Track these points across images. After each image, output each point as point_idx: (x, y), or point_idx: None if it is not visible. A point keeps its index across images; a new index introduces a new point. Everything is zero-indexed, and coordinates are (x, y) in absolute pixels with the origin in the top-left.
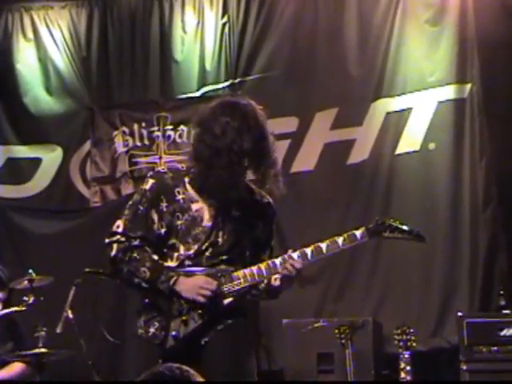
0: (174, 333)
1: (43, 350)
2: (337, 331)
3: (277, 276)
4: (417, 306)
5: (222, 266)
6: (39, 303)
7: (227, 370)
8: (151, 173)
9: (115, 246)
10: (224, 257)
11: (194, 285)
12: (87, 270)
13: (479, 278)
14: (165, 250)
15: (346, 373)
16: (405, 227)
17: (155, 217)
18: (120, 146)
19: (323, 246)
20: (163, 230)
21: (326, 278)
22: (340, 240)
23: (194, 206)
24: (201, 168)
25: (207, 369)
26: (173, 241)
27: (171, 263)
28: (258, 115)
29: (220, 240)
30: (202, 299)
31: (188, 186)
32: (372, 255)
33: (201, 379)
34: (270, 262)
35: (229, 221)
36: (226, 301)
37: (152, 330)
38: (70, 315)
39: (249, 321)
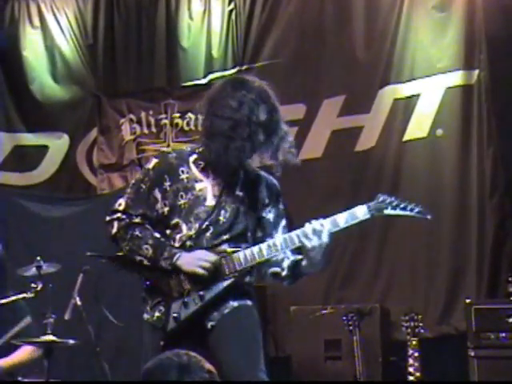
0: (174, 315)
1: (51, 337)
2: (344, 318)
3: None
4: (424, 292)
5: (224, 247)
6: (47, 290)
7: (234, 355)
8: (158, 153)
9: (116, 223)
10: (225, 236)
11: (194, 257)
12: (88, 253)
13: (487, 264)
14: (168, 232)
15: (353, 359)
16: (407, 203)
17: (158, 196)
18: (127, 134)
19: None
20: (166, 209)
21: (333, 264)
22: (341, 220)
23: (198, 186)
24: (220, 142)
25: (214, 353)
26: (176, 220)
27: (177, 243)
28: (268, 89)
29: (221, 218)
30: (201, 271)
31: (192, 166)
32: (379, 242)
33: (208, 365)
34: (270, 241)
35: (232, 200)
36: (226, 282)
37: (157, 314)
38: (78, 302)
39: (255, 304)
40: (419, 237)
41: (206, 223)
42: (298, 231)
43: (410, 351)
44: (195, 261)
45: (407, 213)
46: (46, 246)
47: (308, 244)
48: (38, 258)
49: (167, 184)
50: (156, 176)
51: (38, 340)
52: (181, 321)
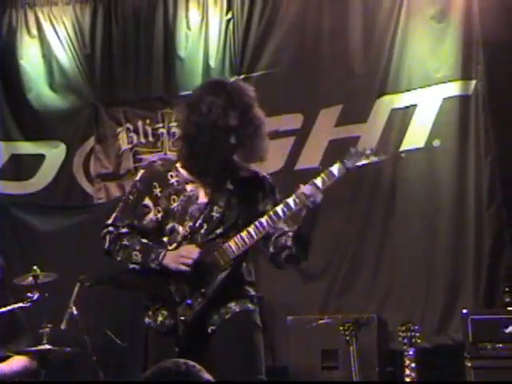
0: (182, 318)
1: (48, 346)
2: (341, 328)
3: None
4: (421, 302)
5: (219, 240)
6: (44, 299)
7: (234, 363)
8: (142, 164)
9: (107, 237)
10: (219, 230)
11: (177, 255)
12: (87, 284)
13: (484, 275)
14: (165, 239)
15: (350, 369)
16: (377, 150)
17: (150, 204)
18: (124, 143)
19: (318, 181)
20: (160, 215)
21: (330, 274)
22: (319, 181)
23: (189, 187)
24: (187, 147)
25: (214, 358)
26: (171, 224)
27: (173, 246)
28: (244, 93)
29: (214, 214)
30: (183, 267)
31: (180, 169)
32: (376, 252)
33: (206, 375)
34: (256, 222)
35: (223, 194)
36: (224, 273)
37: (160, 318)
38: (75, 311)
39: (257, 309)
40: (416, 247)
41: (200, 221)
42: (281, 204)
43: (407, 361)
44: (177, 258)
45: (381, 157)
46: (42, 256)
47: (293, 207)
48: (35, 268)
49: (157, 191)
50: (144, 186)
51: (34, 349)
52: (189, 322)
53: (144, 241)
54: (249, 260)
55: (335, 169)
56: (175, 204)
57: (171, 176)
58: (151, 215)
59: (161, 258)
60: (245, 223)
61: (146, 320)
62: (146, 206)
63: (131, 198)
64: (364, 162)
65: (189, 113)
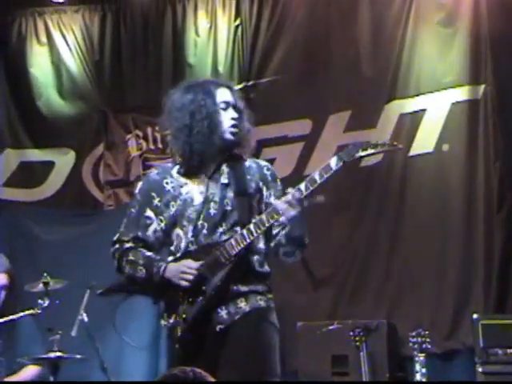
0: (184, 316)
1: (58, 353)
2: (351, 333)
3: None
4: (431, 308)
5: (225, 237)
6: (54, 306)
7: (244, 366)
8: (142, 176)
9: (115, 255)
10: (221, 228)
11: (177, 270)
12: (98, 292)
13: (494, 279)
14: (172, 248)
15: (360, 375)
16: (376, 141)
17: (151, 214)
18: (133, 149)
19: (302, 186)
20: (163, 224)
21: (339, 280)
22: (316, 175)
23: (184, 190)
24: (183, 138)
25: (219, 360)
26: (175, 231)
27: (179, 254)
28: (205, 86)
29: (212, 211)
30: (184, 283)
31: (175, 175)
32: (386, 257)
33: (212, 380)
34: (257, 218)
35: (218, 190)
36: (225, 270)
37: (172, 320)
38: (85, 318)
39: (270, 306)
40: (426, 252)
41: (200, 221)
42: (283, 198)
43: (417, 367)
44: (178, 273)
45: (378, 149)
46: (52, 263)
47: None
48: (45, 275)
49: (156, 200)
50: (143, 197)
51: (44, 356)
52: (190, 320)
53: (147, 254)
54: (261, 251)
55: (333, 161)
56: (173, 209)
57: (166, 183)
58: (154, 226)
59: (161, 271)
60: (247, 217)
61: (162, 322)
62: (149, 218)
63: (133, 211)
64: (361, 153)
65: (173, 112)
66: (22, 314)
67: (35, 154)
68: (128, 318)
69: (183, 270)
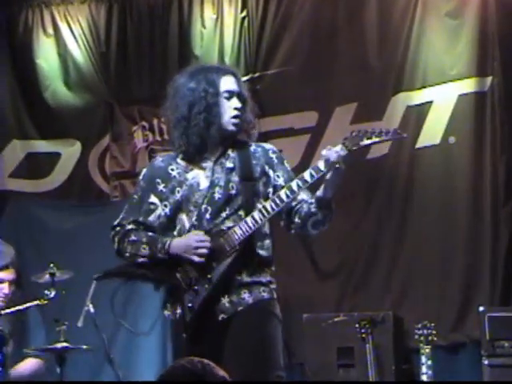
0: (189, 304)
1: (64, 344)
2: (357, 325)
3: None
4: (437, 300)
5: (226, 224)
6: (60, 297)
7: (247, 358)
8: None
9: (115, 238)
10: (225, 213)
11: (188, 246)
12: (95, 276)
13: (500, 272)
14: (175, 233)
15: (366, 367)
16: (380, 129)
17: (156, 200)
18: (140, 141)
19: (306, 175)
20: (168, 209)
21: (345, 272)
22: (321, 165)
23: (190, 175)
24: (182, 129)
25: (223, 349)
26: (179, 216)
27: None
28: (209, 74)
29: (216, 195)
30: (197, 259)
31: (180, 161)
32: (392, 249)
33: (222, 372)
34: (260, 206)
35: (224, 175)
36: (229, 259)
37: (178, 310)
38: (92, 309)
39: (273, 298)
40: (432, 244)
41: (204, 206)
42: (286, 187)
43: (423, 359)
44: (189, 248)
45: (383, 137)
46: (58, 254)
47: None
48: (52, 265)
49: (161, 186)
50: (147, 184)
51: (50, 346)
52: (196, 309)
53: (150, 234)
54: (263, 238)
55: (337, 149)
56: (179, 195)
57: (172, 170)
58: (159, 211)
59: (167, 246)
60: (252, 202)
61: (166, 313)
62: (153, 203)
63: (135, 197)
64: (366, 142)
65: (174, 100)
66: (28, 304)
67: (42, 145)
68: (127, 303)
69: (195, 245)
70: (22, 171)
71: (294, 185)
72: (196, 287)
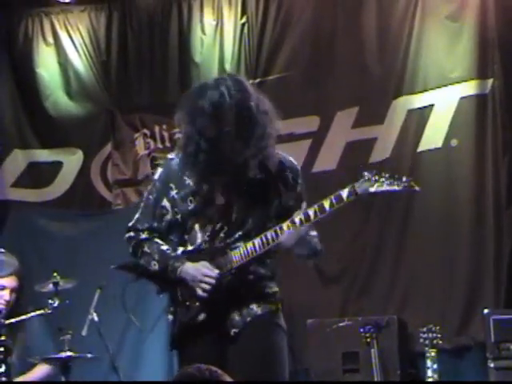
0: (182, 319)
1: (69, 352)
2: (362, 330)
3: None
4: (442, 303)
5: (238, 244)
6: (64, 306)
7: (255, 368)
8: (161, 161)
9: (131, 243)
10: (238, 233)
11: (195, 277)
12: (112, 266)
13: (504, 274)
14: (186, 237)
15: (371, 372)
16: (393, 178)
17: (167, 205)
18: (141, 149)
19: (311, 212)
20: (179, 216)
21: (349, 276)
22: (327, 204)
23: (205, 187)
24: (181, 156)
25: (234, 362)
26: (190, 224)
27: (191, 247)
28: (238, 91)
29: (233, 215)
30: (200, 293)
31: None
32: (395, 253)
33: (229, 379)
34: (263, 236)
35: (240, 196)
36: (225, 280)
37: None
38: (96, 318)
39: (280, 309)
40: (436, 247)
41: (220, 224)
42: (289, 220)
43: (429, 363)
44: (196, 280)
45: (394, 187)
46: (61, 262)
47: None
48: (55, 275)
49: (174, 192)
50: (162, 186)
51: (55, 356)
52: (185, 325)
53: (162, 248)
54: (264, 257)
55: (345, 193)
56: (192, 205)
57: (187, 176)
58: (169, 217)
59: (178, 273)
60: (263, 225)
61: (169, 317)
62: (164, 208)
63: (151, 198)
64: (375, 190)
65: (182, 121)
66: (32, 314)
67: (43, 155)
68: (136, 300)
69: (202, 279)
70: (23, 181)
71: (295, 217)
72: (188, 303)
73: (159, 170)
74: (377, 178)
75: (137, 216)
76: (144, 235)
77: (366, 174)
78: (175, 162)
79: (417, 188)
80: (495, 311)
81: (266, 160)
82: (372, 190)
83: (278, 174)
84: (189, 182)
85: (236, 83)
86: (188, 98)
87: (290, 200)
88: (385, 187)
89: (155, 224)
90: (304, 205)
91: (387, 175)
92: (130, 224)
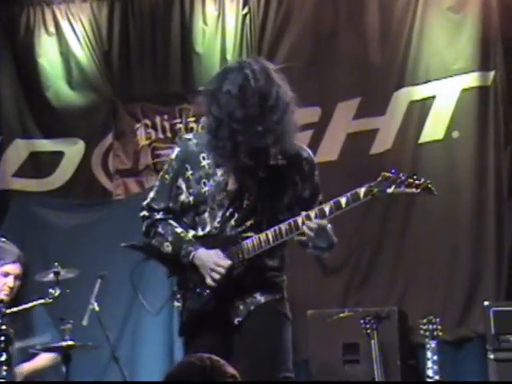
0: (190, 307)
1: (70, 342)
2: (362, 321)
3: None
4: (442, 295)
5: (249, 233)
6: (65, 296)
7: (259, 356)
8: (178, 140)
9: (145, 222)
10: (249, 222)
11: (206, 264)
12: (122, 244)
13: (505, 266)
14: (197, 219)
15: (371, 363)
16: (412, 179)
17: (183, 185)
18: (142, 139)
19: (326, 208)
20: (191, 198)
21: (350, 268)
22: (343, 201)
23: (219, 171)
24: (209, 139)
25: (239, 351)
26: (202, 208)
27: (201, 232)
28: (261, 76)
29: (245, 202)
30: (209, 281)
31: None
32: (396, 245)
33: (231, 369)
34: (276, 228)
35: (255, 183)
36: (235, 272)
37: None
38: (96, 307)
39: (284, 297)
40: (437, 239)
41: (230, 210)
42: (303, 214)
43: (429, 354)
44: (206, 268)
45: (412, 190)
46: (62, 252)
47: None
48: (56, 264)
49: (189, 173)
50: (178, 166)
51: (56, 344)
52: (195, 312)
53: (177, 230)
54: (274, 249)
55: (362, 192)
56: (205, 188)
57: (203, 158)
58: (183, 197)
59: (191, 258)
60: (275, 215)
61: (176, 304)
62: (179, 187)
63: (167, 177)
64: (393, 191)
65: (208, 103)
66: (33, 303)
67: (45, 145)
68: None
69: (212, 267)
70: (25, 171)
71: (311, 213)
72: (198, 290)
73: (176, 149)
74: (394, 179)
75: (152, 194)
76: (159, 215)
77: (383, 174)
78: (192, 143)
79: (435, 191)
80: (495, 303)
81: (284, 148)
82: (390, 190)
83: (294, 163)
84: (204, 164)
85: (261, 69)
86: (212, 82)
87: (305, 191)
88: (402, 189)
89: (171, 204)
90: (319, 197)
91: (405, 176)
92: (145, 203)
